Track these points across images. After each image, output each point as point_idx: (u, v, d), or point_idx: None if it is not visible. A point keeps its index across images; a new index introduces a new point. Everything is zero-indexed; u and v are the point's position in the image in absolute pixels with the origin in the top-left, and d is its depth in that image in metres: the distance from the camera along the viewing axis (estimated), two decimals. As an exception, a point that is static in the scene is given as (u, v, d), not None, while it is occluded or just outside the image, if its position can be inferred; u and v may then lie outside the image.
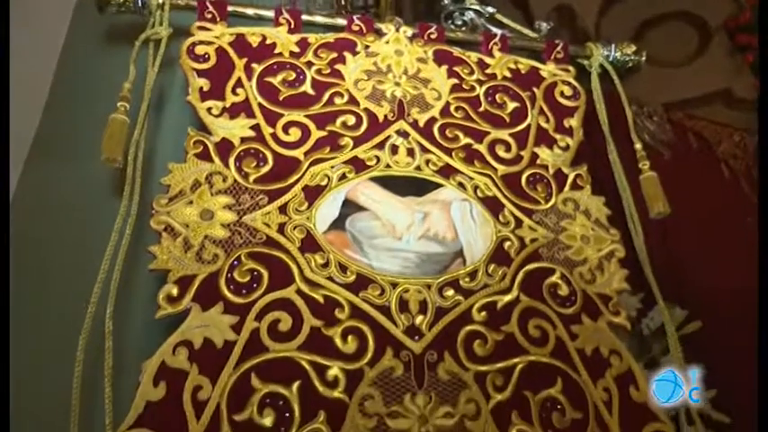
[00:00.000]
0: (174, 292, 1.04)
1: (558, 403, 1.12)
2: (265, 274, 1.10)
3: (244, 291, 1.07)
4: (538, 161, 1.43)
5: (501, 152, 1.41)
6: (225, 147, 1.22)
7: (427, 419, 1.03)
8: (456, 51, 1.55)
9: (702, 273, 1.83)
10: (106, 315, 1.04)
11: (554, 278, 1.27)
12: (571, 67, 1.63)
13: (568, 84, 1.59)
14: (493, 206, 1.32)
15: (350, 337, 1.07)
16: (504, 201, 1.34)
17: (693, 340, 1.54)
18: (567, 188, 1.42)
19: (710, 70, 2.27)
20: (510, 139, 1.43)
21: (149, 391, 0.96)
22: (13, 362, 1.01)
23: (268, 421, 0.97)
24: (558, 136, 1.49)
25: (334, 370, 1.03)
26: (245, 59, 1.35)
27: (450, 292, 1.18)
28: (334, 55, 1.43)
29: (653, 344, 1.50)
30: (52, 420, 1.00)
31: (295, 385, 1.00)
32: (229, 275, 1.08)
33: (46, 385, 1.04)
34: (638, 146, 1.51)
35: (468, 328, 1.15)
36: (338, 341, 1.06)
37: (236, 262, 1.10)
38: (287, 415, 0.98)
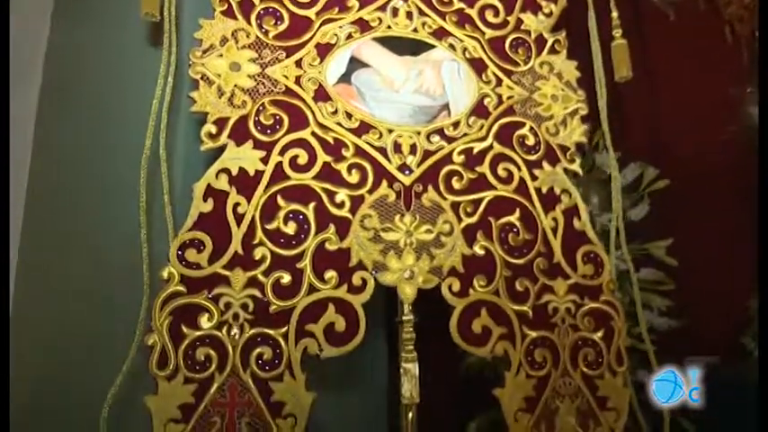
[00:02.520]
0: (213, 130, 1.28)
1: (514, 227, 1.43)
2: (285, 118, 1.33)
3: (269, 131, 1.32)
4: (522, 26, 1.60)
5: (490, 17, 1.57)
6: (246, 5, 1.38)
7: (412, 234, 1.34)
8: None
9: (680, 135, 2.04)
10: (160, 146, 1.31)
11: (523, 130, 1.52)
12: (565, -68, 1.71)
13: (559, -51, 1.69)
14: (478, 66, 1.52)
15: (354, 171, 1.34)
16: (488, 62, 1.53)
17: (661, 196, 1.80)
18: (545, 52, 1.61)
19: None
20: (498, 4, 1.59)
21: (200, 205, 1.24)
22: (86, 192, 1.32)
23: (291, 230, 1.27)
24: (543, 2, 1.63)
25: (341, 195, 1.32)
26: None
27: (436, 138, 1.43)
28: None
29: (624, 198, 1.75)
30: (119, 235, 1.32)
31: (311, 205, 1.29)
32: (256, 118, 1.32)
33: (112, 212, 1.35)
34: (614, 14, 1.66)
35: (449, 167, 1.42)
36: (345, 173, 1.34)
37: (261, 107, 1.32)
38: (305, 226, 1.28)
